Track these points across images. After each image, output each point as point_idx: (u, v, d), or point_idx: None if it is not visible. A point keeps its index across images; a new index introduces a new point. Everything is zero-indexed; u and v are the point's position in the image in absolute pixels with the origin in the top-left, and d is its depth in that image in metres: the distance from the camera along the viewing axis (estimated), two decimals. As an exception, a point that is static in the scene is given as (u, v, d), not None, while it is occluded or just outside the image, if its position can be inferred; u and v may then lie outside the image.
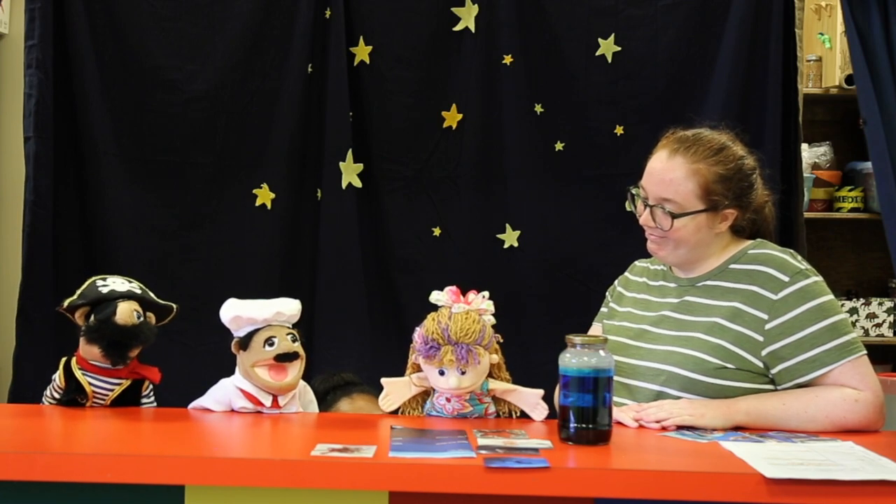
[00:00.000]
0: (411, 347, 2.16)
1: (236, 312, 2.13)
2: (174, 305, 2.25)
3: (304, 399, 2.23)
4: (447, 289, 2.15)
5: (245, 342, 2.13)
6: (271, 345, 2.11)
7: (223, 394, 2.16)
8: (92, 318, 2.15)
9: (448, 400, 2.12)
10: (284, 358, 2.11)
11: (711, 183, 2.20)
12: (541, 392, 2.16)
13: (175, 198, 3.08)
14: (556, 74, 3.14)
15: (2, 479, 1.69)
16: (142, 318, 2.17)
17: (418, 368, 2.15)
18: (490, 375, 2.14)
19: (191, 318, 2.99)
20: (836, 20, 3.84)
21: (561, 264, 3.15)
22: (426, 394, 2.16)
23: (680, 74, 3.11)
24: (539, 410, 2.14)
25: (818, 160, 4.03)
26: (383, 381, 2.16)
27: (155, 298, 2.24)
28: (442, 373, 2.09)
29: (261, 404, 2.13)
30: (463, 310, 2.11)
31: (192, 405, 2.20)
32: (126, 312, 2.14)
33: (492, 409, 2.14)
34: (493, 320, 2.15)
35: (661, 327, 2.26)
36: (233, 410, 2.15)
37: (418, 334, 2.12)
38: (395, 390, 2.14)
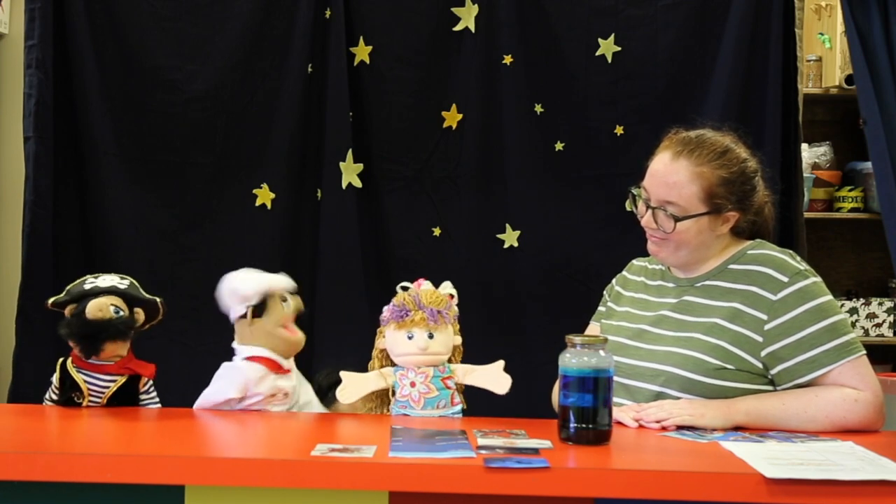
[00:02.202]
0: (378, 332, 2.22)
1: (263, 284, 2.20)
2: (158, 299, 2.28)
3: (303, 389, 2.30)
4: (414, 283, 2.26)
5: (261, 308, 2.20)
6: (286, 301, 2.24)
7: (238, 375, 2.18)
8: (67, 314, 2.21)
9: (413, 385, 2.14)
10: (298, 313, 2.25)
11: (715, 186, 2.20)
12: (501, 363, 2.21)
13: (175, 198, 3.07)
14: (556, 74, 3.14)
15: (2, 479, 1.69)
16: (120, 313, 2.20)
17: (386, 361, 2.20)
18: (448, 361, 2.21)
19: (191, 317, 3.00)
20: (836, 20, 3.84)
21: (561, 264, 3.15)
22: (385, 394, 2.18)
23: (680, 74, 3.11)
24: (502, 383, 2.18)
25: (818, 160, 4.03)
26: (343, 373, 2.19)
27: (141, 294, 2.27)
28: (410, 336, 2.15)
29: (279, 368, 2.20)
30: (430, 287, 2.23)
31: (203, 401, 2.20)
32: (96, 307, 2.19)
33: (458, 398, 2.18)
34: (457, 310, 2.24)
35: (660, 327, 2.26)
36: (236, 401, 2.18)
37: (387, 309, 2.20)
38: (353, 383, 2.17)
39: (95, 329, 2.18)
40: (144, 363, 2.24)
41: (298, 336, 2.25)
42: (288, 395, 2.24)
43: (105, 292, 2.21)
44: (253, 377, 2.18)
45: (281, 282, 2.25)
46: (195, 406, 2.21)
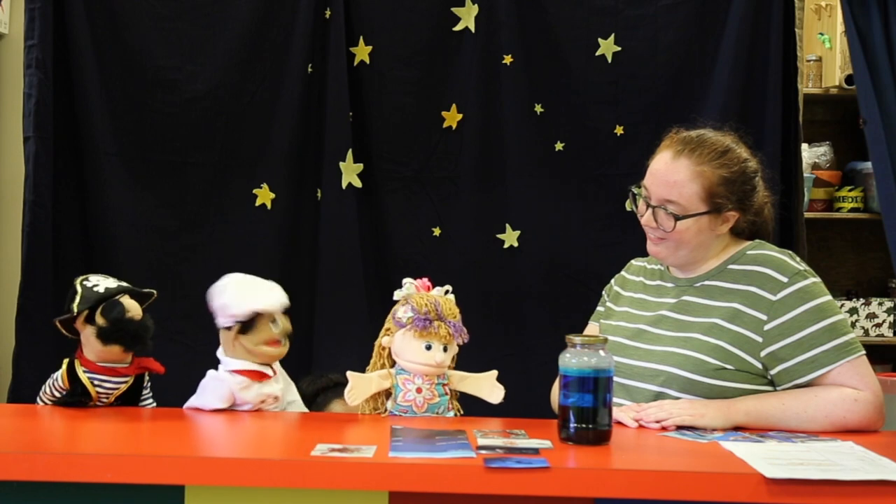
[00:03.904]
0: (385, 329, 2.19)
1: (255, 306, 2.18)
2: (154, 292, 2.29)
3: (289, 389, 2.29)
4: (418, 280, 2.21)
5: (248, 326, 2.19)
6: (274, 322, 2.20)
7: (222, 387, 2.17)
8: (98, 319, 2.16)
9: (419, 391, 2.14)
10: (286, 335, 2.21)
11: (715, 186, 2.20)
12: (494, 373, 2.20)
13: (175, 198, 3.08)
14: (556, 74, 3.14)
15: (2, 479, 1.69)
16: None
17: (388, 359, 2.18)
18: None
19: (191, 317, 3.00)
20: (836, 20, 3.85)
21: (561, 264, 3.15)
22: (387, 393, 2.18)
23: (680, 74, 3.11)
24: (496, 393, 2.17)
25: (818, 160, 4.03)
26: (349, 374, 2.17)
27: (135, 288, 2.26)
28: (428, 347, 2.12)
29: (265, 376, 2.19)
30: (443, 292, 2.20)
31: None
32: (135, 307, 2.20)
33: (451, 403, 2.17)
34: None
35: (659, 327, 2.26)
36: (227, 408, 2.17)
37: (405, 310, 2.15)
38: (359, 384, 2.15)
39: (143, 328, 2.19)
40: (155, 361, 2.25)
41: (281, 350, 2.22)
42: (278, 399, 2.23)
43: (118, 292, 2.20)
44: (236, 388, 2.18)
45: (272, 303, 2.20)
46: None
